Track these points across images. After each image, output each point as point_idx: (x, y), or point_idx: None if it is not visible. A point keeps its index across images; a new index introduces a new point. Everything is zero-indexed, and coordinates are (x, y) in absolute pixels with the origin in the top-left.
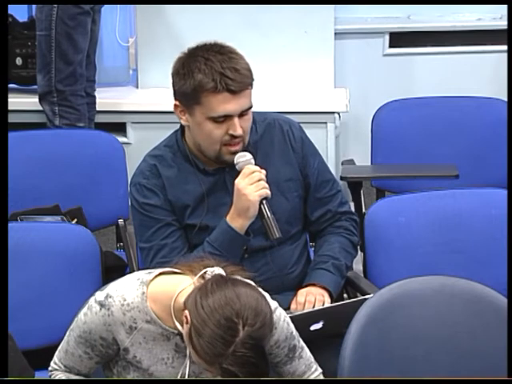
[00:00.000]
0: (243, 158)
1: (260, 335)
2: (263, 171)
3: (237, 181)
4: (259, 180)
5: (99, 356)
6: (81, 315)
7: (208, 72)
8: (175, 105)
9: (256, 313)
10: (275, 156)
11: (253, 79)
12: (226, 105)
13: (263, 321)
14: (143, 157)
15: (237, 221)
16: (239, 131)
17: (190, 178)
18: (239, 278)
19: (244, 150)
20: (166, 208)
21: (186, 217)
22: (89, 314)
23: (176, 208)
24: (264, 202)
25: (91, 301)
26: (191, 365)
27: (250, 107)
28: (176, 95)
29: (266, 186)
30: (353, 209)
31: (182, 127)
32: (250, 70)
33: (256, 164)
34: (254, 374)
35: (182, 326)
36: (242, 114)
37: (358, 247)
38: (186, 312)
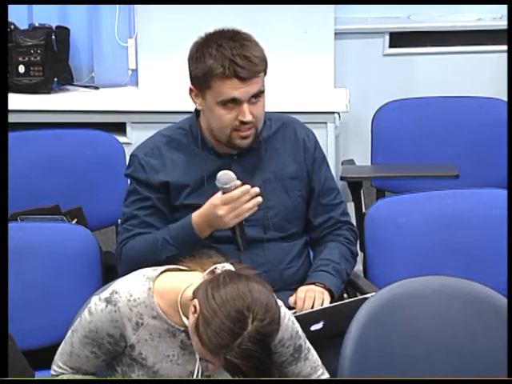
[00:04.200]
0: (225, 186)
1: (267, 331)
2: (247, 188)
3: (216, 202)
4: (241, 206)
5: (106, 354)
6: (85, 315)
7: (218, 58)
8: (190, 88)
9: (266, 309)
10: (285, 153)
11: (265, 66)
12: (234, 90)
13: (272, 317)
14: (155, 132)
15: (203, 228)
16: (248, 117)
17: (194, 160)
18: (251, 274)
19: (252, 144)
20: (150, 186)
21: (182, 196)
22: (94, 312)
23: (172, 188)
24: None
25: (94, 299)
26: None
27: (262, 92)
28: (191, 79)
29: (248, 208)
30: (353, 209)
31: (197, 111)
32: (262, 58)
33: (264, 159)
34: (258, 369)
35: (188, 319)
36: (252, 100)
37: (358, 250)
38: (195, 301)
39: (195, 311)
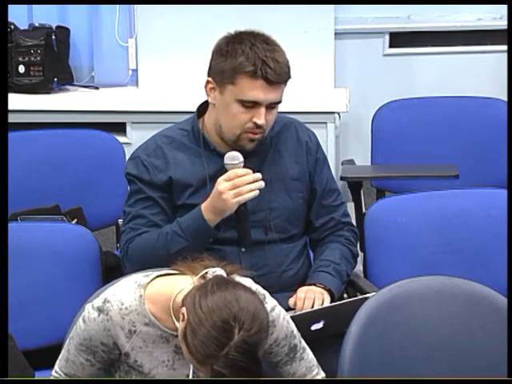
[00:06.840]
0: (232, 161)
1: (254, 341)
2: (249, 171)
3: (219, 180)
4: (243, 185)
5: (101, 362)
6: (79, 323)
7: (251, 56)
8: (207, 81)
9: (253, 318)
10: (287, 154)
11: (290, 77)
12: (259, 92)
13: (259, 326)
14: (153, 135)
15: (210, 215)
16: (263, 121)
17: (197, 160)
18: (240, 280)
19: (256, 144)
20: (155, 185)
21: (185, 196)
22: (87, 321)
23: (176, 186)
24: (242, 208)
25: (88, 307)
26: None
27: (279, 102)
28: (211, 71)
29: (249, 189)
30: (353, 209)
31: (199, 112)
32: (288, 67)
33: (266, 160)
34: (246, 378)
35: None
36: (269, 107)
37: (358, 251)
38: (183, 309)
39: (183, 319)
